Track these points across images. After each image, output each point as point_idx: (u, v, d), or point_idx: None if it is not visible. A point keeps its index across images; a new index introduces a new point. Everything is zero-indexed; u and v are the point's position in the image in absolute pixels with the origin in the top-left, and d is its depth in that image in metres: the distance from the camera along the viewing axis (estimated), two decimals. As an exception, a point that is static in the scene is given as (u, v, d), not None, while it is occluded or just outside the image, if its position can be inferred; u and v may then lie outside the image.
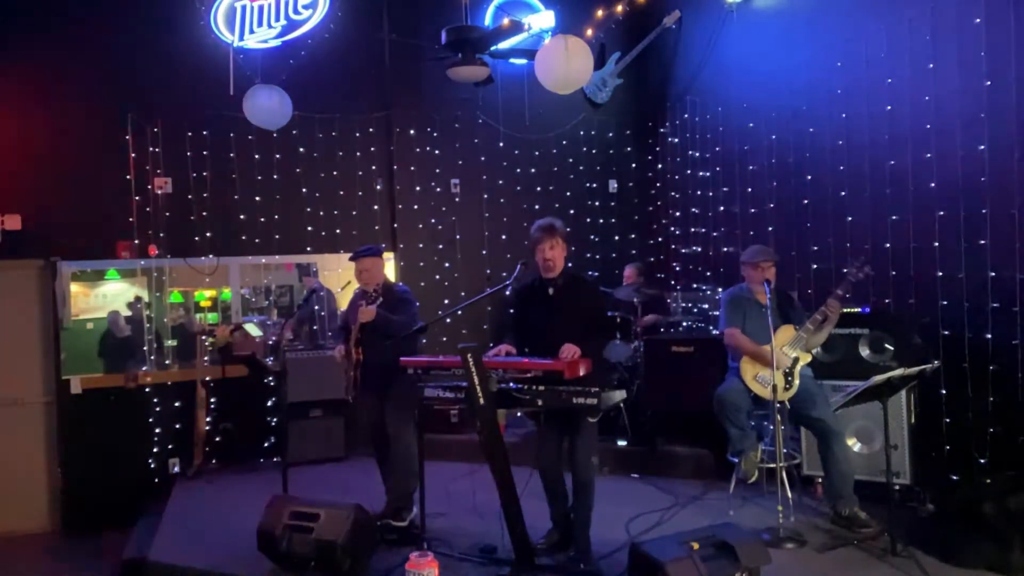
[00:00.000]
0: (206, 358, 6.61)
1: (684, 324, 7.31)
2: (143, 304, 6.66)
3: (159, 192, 6.54)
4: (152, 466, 6.43)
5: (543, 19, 7.49)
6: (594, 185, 7.99)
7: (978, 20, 4.86)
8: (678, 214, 7.81)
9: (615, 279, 7.45)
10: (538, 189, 7.73)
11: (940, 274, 5.12)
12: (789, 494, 4.55)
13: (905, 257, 5.37)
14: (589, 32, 7.49)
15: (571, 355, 3.89)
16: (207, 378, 6.56)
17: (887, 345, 4.97)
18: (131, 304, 6.83)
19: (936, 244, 5.15)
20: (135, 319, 6.70)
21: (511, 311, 4.51)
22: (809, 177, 6.21)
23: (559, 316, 4.19)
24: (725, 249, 7.13)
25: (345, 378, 4.90)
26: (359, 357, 4.79)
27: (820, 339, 4.68)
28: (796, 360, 4.57)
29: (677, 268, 7.81)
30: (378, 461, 5.04)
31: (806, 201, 6.24)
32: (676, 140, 7.79)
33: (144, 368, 6.50)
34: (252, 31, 6.74)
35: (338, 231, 7.08)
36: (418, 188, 7.33)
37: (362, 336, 4.76)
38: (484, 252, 7.49)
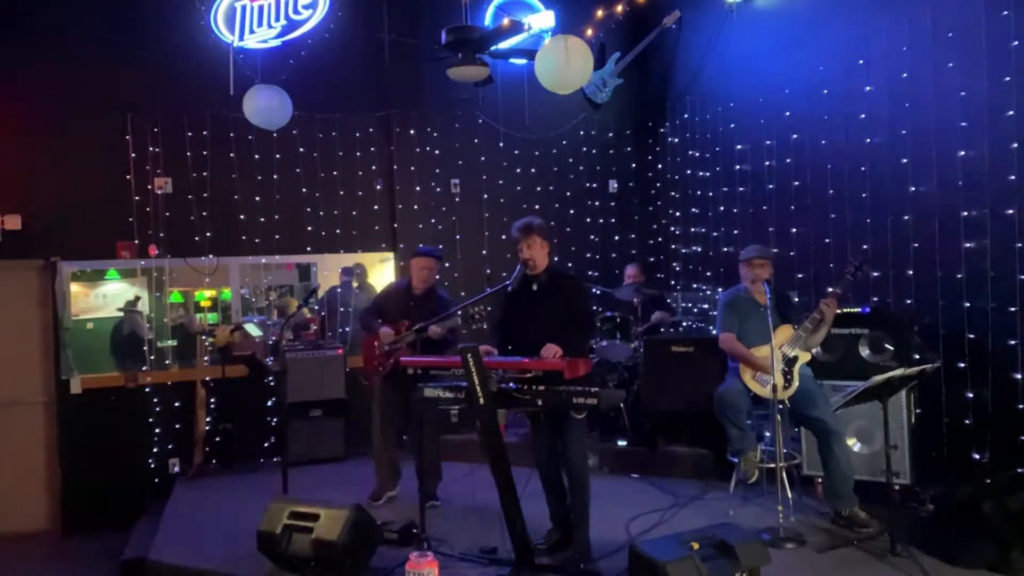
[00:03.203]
0: (206, 358, 6.61)
1: (684, 324, 7.31)
2: (139, 303, 6.67)
3: (159, 192, 6.54)
4: (152, 466, 6.42)
5: (543, 19, 7.49)
6: (594, 185, 7.99)
7: (978, 20, 4.86)
8: (678, 214, 7.81)
9: (615, 279, 7.46)
10: (538, 189, 7.72)
11: (940, 274, 5.12)
12: (789, 494, 4.55)
13: (905, 257, 5.37)
14: (589, 32, 7.49)
15: (552, 354, 3.91)
16: (207, 378, 6.55)
17: (887, 345, 4.96)
18: (130, 303, 6.84)
19: (936, 244, 5.15)
20: (137, 320, 6.72)
21: (500, 309, 4.54)
22: (809, 177, 6.21)
23: (541, 312, 4.22)
24: (725, 249, 7.13)
25: (376, 359, 5.22)
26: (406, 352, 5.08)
27: (818, 339, 4.68)
28: (795, 359, 4.57)
29: (677, 268, 7.81)
30: (390, 447, 5.35)
31: (806, 201, 6.24)
32: (676, 140, 7.79)
33: (144, 368, 6.50)
34: (252, 31, 6.74)
35: (338, 231, 7.08)
36: (418, 188, 7.33)
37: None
38: (484, 252, 7.48)
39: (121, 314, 7.19)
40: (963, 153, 4.98)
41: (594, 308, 6.77)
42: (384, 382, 5.27)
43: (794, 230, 6.32)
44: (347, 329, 6.98)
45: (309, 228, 7.00)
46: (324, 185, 7.04)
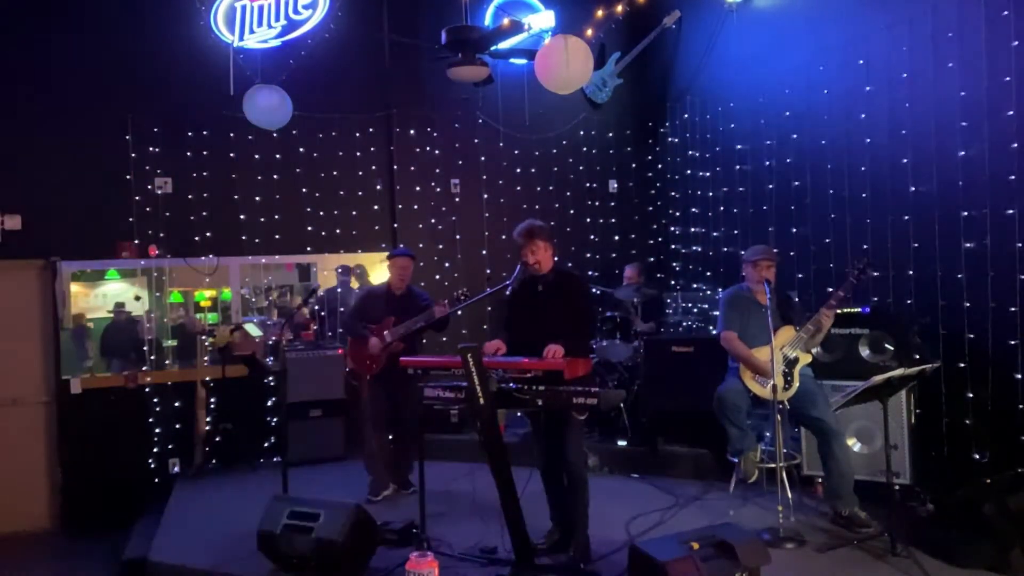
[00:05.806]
0: (206, 358, 6.61)
1: (684, 324, 7.30)
2: (141, 303, 6.66)
3: (159, 192, 6.55)
4: (152, 466, 6.42)
5: (543, 19, 7.49)
6: (594, 185, 7.99)
7: (978, 20, 4.86)
8: (678, 214, 7.81)
9: (615, 279, 7.45)
10: (538, 189, 7.73)
11: (940, 274, 5.12)
12: (789, 494, 4.55)
13: (905, 257, 5.37)
14: (589, 32, 7.49)
15: (553, 354, 3.92)
16: (207, 378, 6.55)
17: (887, 345, 4.96)
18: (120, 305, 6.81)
19: (936, 244, 5.15)
20: (136, 320, 6.70)
21: (506, 308, 4.55)
22: (809, 177, 6.21)
23: (547, 312, 4.23)
24: (725, 249, 7.13)
25: (367, 360, 5.39)
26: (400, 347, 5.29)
27: (816, 343, 4.68)
28: (795, 360, 4.57)
29: (677, 268, 7.81)
30: (386, 445, 5.49)
31: (806, 201, 6.24)
32: (676, 140, 7.79)
33: (144, 368, 6.50)
34: (252, 31, 6.74)
35: (338, 231, 7.09)
36: (418, 188, 7.33)
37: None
38: (484, 252, 7.49)
39: (135, 314, 7.14)
40: (963, 153, 4.98)
41: (596, 308, 6.77)
42: (374, 383, 5.43)
43: (794, 230, 6.32)
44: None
45: (309, 228, 7.00)
46: (324, 185, 7.04)
